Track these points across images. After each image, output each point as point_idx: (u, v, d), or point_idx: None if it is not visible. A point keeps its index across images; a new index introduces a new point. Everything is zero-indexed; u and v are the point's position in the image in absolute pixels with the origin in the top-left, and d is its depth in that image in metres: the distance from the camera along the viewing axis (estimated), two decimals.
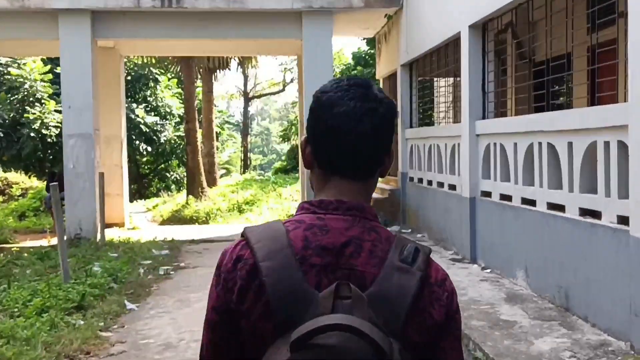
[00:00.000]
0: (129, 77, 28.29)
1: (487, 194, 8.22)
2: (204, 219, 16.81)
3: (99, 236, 11.43)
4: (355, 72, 23.44)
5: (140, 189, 33.62)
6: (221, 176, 31.31)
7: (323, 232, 1.18)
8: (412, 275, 1.14)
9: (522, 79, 9.36)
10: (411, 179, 12.11)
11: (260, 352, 1.11)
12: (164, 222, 17.82)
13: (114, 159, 14.42)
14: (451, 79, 12.92)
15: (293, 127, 35.03)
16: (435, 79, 12.89)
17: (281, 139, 38.00)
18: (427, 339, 1.16)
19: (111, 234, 12.25)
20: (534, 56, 9.93)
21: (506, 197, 7.71)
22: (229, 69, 20.92)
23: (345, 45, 63.71)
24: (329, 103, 1.22)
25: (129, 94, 27.70)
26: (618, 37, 6.62)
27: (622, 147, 5.32)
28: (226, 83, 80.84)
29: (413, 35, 11.49)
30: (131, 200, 29.58)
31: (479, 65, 8.55)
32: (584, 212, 5.96)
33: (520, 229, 7.25)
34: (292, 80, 37.17)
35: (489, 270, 8.02)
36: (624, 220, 5.31)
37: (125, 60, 27.61)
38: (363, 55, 25.15)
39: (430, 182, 10.84)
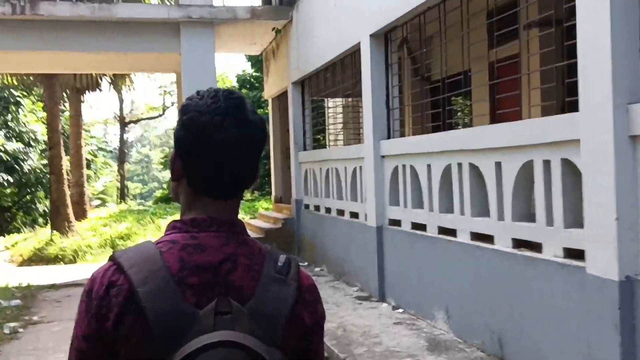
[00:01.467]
0: None
1: (397, 222, 7.28)
2: (70, 257, 14.83)
3: None
4: None
5: (1, 223, 30.39)
6: (97, 206, 28.84)
7: (198, 251, 1.17)
8: (288, 286, 1.19)
9: (417, 97, 8.61)
10: (307, 206, 11.04)
11: None
12: (23, 263, 15.61)
13: None
14: (341, 100, 12.15)
15: None
16: (329, 99, 11.99)
17: (162, 166, 36.07)
18: (302, 343, 1.21)
19: None
20: (430, 73, 9.29)
21: (419, 226, 6.79)
22: (100, 90, 19.00)
23: (230, 67, 62.66)
24: (206, 127, 1.19)
25: None
26: (521, 50, 5.95)
27: (567, 165, 4.49)
28: (101, 107, 76.71)
29: (305, 49, 10.51)
30: None
31: (382, 78, 7.66)
32: (519, 243, 5.10)
33: (437, 263, 6.32)
34: (172, 104, 35.33)
35: (401, 311, 7.03)
36: (571, 253, 4.47)
37: None
38: (248, 78, 24.10)
39: (328, 210, 9.81)
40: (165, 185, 36.79)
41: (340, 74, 9.62)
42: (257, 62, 28.08)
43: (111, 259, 1.19)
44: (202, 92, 1.25)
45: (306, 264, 10.56)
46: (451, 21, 6.38)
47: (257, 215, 14.20)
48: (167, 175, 49.26)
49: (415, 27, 7.05)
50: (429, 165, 6.54)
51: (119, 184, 36.17)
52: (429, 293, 6.47)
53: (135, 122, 38.09)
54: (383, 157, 7.50)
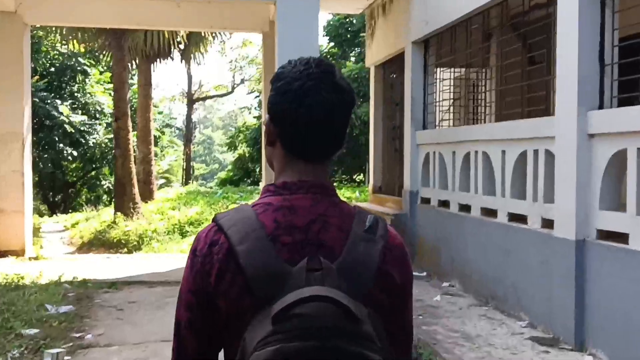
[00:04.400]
0: (52, 68, 24.27)
1: (614, 235, 4.89)
2: (135, 243, 13.02)
3: None
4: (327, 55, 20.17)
5: (65, 199, 29.31)
6: (160, 187, 27.35)
7: (291, 213, 1.24)
8: (376, 243, 1.24)
9: None
10: (425, 200, 8.75)
11: (242, 327, 1.16)
12: (83, 246, 13.95)
13: (11, 163, 10.53)
14: (456, 72, 9.76)
15: (241, 134, 31.56)
16: (442, 69, 9.59)
17: (227, 147, 34.39)
18: (392, 300, 1.25)
19: None
20: None
21: None
22: (172, 58, 17.14)
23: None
24: (301, 92, 1.26)
25: (50, 87, 23.66)
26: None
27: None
28: (167, 85, 76.04)
29: None
30: (53, 214, 25.60)
31: (596, 19, 5.25)
32: None
33: None
34: (242, 81, 33.53)
35: None
36: None
37: (46, 45, 23.74)
38: (324, 54, 21.79)
39: (466, 208, 7.49)
40: (229, 167, 35.05)
41: (463, 39, 7.40)
42: (336, 36, 25.99)
43: (213, 220, 1.27)
44: (293, 61, 1.31)
45: (424, 274, 8.29)
46: None
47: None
48: (228, 157, 48.19)
49: None
50: None
51: (184, 164, 34.70)
52: None
53: (203, 99, 36.50)
54: (592, 136, 5.10)
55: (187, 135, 33.97)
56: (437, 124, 8.94)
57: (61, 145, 23.35)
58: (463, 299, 7.04)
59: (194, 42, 17.45)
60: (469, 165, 7.48)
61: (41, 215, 25.17)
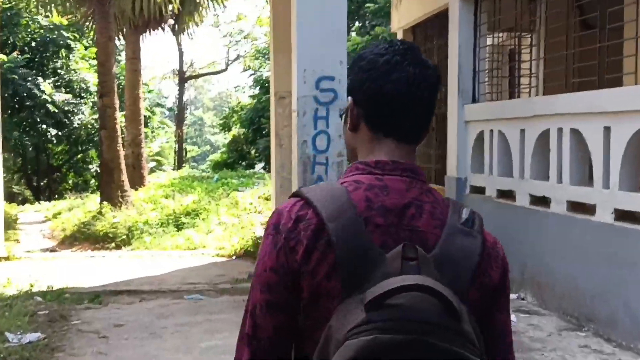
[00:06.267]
0: (33, 43, 22.36)
1: None
2: (123, 237, 11.39)
3: None
4: None
5: (50, 184, 27.61)
6: (151, 171, 25.66)
7: (384, 193, 1.18)
8: (475, 238, 1.16)
9: None
10: (477, 190, 7.18)
11: (326, 312, 1.09)
12: (65, 240, 12.30)
13: None
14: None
15: (235, 114, 30.05)
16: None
17: (221, 128, 32.81)
18: (487, 300, 1.17)
19: None
20: None
21: None
22: (162, 28, 15.40)
23: None
24: (387, 68, 1.22)
25: (31, 63, 21.78)
26: None
27: None
28: (157, 64, 72.95)
29: None
30: (37, 200, 23.86)
31: None
32: None
33: None
34: (237, 57, 31.70)
35: None
36: None
37: (26, 18, 21.84)
38: None
39: (541, 201, 5.93)
40: (223, 149, 33.46)
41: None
42: None
43: (297, 195, 1.21)
44: (374, 43, 1.29)
45: None
46: None
47: None
48: (220, 139, 46.63)
49: None
50: None
51: (175, 146, 33.01)
52: None
53: (196, 77, 34.65)
54: None
55: (178, 116, 32.26)
56: (493, 96, 7.32)
57: (44, 126, 21.64)
58: (545, 319, 5.48)
59: (187, 11, 15.72)
60: (546, 146, 5.90)
61: (24, 202, 23.50)
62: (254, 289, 1.18)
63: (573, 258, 5.40)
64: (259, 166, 26.09)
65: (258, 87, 26.59)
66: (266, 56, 28.45)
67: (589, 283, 5.19)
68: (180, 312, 6.03)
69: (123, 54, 19.63)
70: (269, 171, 21.92)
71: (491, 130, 6.89)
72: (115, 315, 5.95)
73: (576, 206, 5.48)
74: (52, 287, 7.08)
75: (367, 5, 20.94)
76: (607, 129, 5.02)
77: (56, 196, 24.12)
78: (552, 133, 5.77)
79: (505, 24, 7.52)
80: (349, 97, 1.27)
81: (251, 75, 28.60)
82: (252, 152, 27.50)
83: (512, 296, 6.12)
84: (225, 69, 33.05)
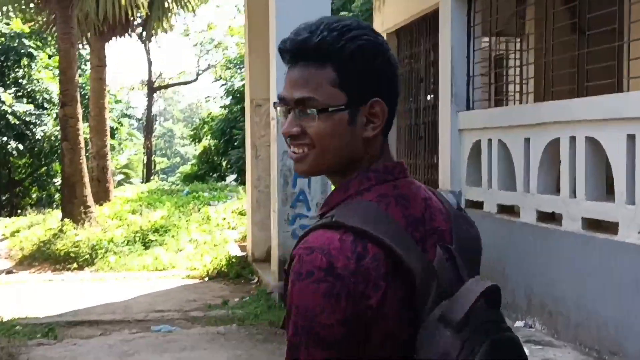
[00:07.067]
0: None
1: None
2: (86, 257, 10.52)
3: None
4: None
5: (12, 199, 26.46)
6: (118, 184, 24.67)
7: (407, 203, 1.14)
8: (471, 221, 1.21)
9: None
10: (474, 204, 6.58)
11: (404, 347, 1.05)
12: (24, 261, 11.36)
13: None
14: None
15: (206, 125, 29.40)
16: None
17: (191, 139, 32.06)
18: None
19: None
20: None
21: None
22: (130, 34, 14.62)
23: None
24: (395, 61, 1.20)
25: None
26: None
27: None
28: (125, 73, 71.27)
29: None
30: None
31: None
32: None
33: None
34: (208, 67, 30.93)
35: None
36: None
37: None
38: None
39: (551, 217, 5.36)
40: (194, 161, 32.71)
41: None
42: None
43: (337, 226, 1.06)
44: (358, 24, 1.17)
45: None
46: None
47: None
48: (190, 150, 45.90)
49: None
50: None
51: (144, 158, 32.09)
52: None
53: (165, 87, 33.74)
54: None
55: (147, 127, 31.31)
56: (490, 102, 6.76)
57: (4, 138, 20.63)
58: (561, 351, 4.88)
59: (155, 17, 14.97)
60: (555, 157, 5.33)
61: None
62: (309, 348, 1.03)
63: (591, 282, 4.82)
64: (230, 178, 25.49)
65: (230, 97, 25.98)
66: (238, 66, 27.83)
67: (612, 311, 4.60)
68: (146, 348, 5.27)
69: (89, 64, 18.87)
70: (242, 183, 21.24)
71: (489, 140, 6.31)
72: (70, 354, 5.18)
73: (592, 224, 4.90)
74: (2, 319, 6.28)
75: (342, 13, 20.46)
76: (631, 137, 4.45)
77: (19, 211, 23.10)
78: (563, 142, 5.19)
79: (493, 28, 7.02)
80: (376, 98, 1.15)
81: (222, 85, 27.96)
82: (224, 163, 26.95)
83: (519, 324, 5.54)
84: (196, 79, 32.23)
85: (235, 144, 24.51)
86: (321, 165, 1.15)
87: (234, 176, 24.74)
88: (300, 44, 1.14)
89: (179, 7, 15.16)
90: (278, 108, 1.21)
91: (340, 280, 1.01)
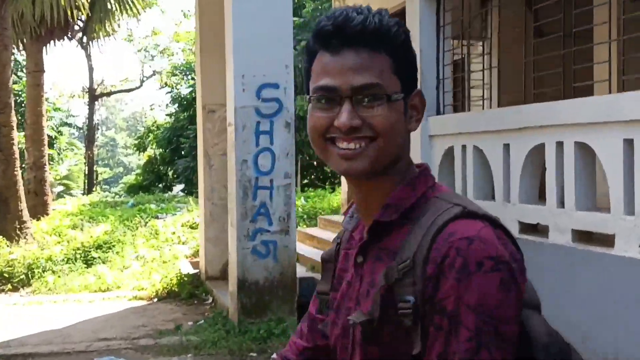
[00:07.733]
0: None
1: None
2: (21, 277, 9.67)
3: None
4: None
5: None
6: (58, 196, 23.46)
7: None
8: None
9: None
10: None
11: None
12: None
13: None
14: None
15: (151, 134, 28.58)
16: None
17: (135, 148, 31.10)
18: None
19: None
20: None
21: None
22: (69, 38, 13.78)
23: None
24: None
25: None
26: None
27: None
28: (65, 80, 68.91)
29: None
30: None
31: None
32: None
33: None
34: (153, 74, 29.97)
35: None
36: None
37: None
38: None
39: (534, 229, 4.98)
40: (138, 171, 31.69)
41: None
42: None
43: (473, 215, 1.04)
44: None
45: None
46: None
47: (318, 220, 9.26)
48: (134, 160, 44.63)
49: None
50: None
51: (85, 169, 30.83)
52: None
53: (108, 94, 32.55)
54: None
55: (89, 136, 30.07)
56: (466, 107, 6.37)
57: None
58: None
59: (96, 19, 14.15)
60: (539, 164, 4.96)
61: None
62: (492, 349, 0.96)
63: (583, 299, 4.43)
64: (177, 188, 24.72)
65: (176, 105, 25.22)
66: (184, 72, 27.03)
67: (608, 330, 4.22)
68: None
69: (26, 69, 17.81)
70: (190, 194, 20.48)
71: (464, 146, 5.90)
72: None
73: (583, 236, 4.53)
74: None
75: (293, 19, 20.01)
76: (628, 142, 4.09)
77: None
78: (548, 148, 4.82)
79: (455, 31, 6.67)
80: (419, 88, 1.15)
81: (168, 92, 27.16)
82: (170, 173, 26.22)
83: None
84: (140, 86, 31.22)
85: (183, 152, 23.75)
86: (383, 160, 1.09)
87: (181, 186, 23.97)
88: (358, 27, 1.05)
89: (122, 10, 14.39)
90: (313, 99, 1.08)
91: (508, 268, 1.00)
